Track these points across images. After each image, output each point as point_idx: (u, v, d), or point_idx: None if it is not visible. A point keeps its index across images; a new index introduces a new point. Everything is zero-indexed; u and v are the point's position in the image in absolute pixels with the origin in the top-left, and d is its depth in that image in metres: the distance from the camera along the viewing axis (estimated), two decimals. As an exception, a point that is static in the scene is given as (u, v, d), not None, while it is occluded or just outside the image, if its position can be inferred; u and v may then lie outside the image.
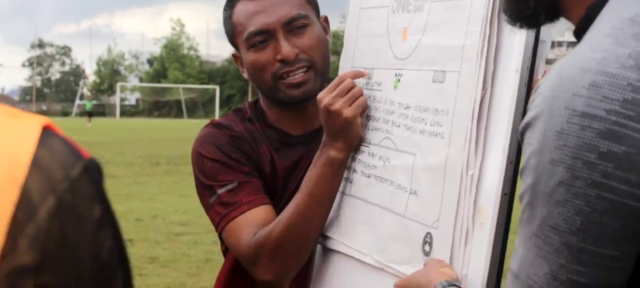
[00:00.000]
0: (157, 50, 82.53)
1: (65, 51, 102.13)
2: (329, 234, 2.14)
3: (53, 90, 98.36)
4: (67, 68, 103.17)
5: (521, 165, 1.19)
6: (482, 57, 1.71)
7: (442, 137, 1.79)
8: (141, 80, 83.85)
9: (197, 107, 69.40)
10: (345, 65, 2.21)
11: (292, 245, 2.08)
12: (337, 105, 2.02)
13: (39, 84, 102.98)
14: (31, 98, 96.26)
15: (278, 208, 2.19)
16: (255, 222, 2.14)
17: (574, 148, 1.08)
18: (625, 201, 1.07)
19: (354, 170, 2.09)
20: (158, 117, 69.44)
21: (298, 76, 2.18)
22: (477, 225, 1.69)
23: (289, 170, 2.28)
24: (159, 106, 74.46)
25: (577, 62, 1.11)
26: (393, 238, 1.92)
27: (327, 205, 2.11)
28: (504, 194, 1.64)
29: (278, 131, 2.30)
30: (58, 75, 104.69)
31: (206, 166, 2.21)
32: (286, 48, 2.17)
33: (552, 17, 1.32)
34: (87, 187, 0.89)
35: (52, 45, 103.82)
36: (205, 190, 2.22)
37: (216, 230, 2.21)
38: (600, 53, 1.10)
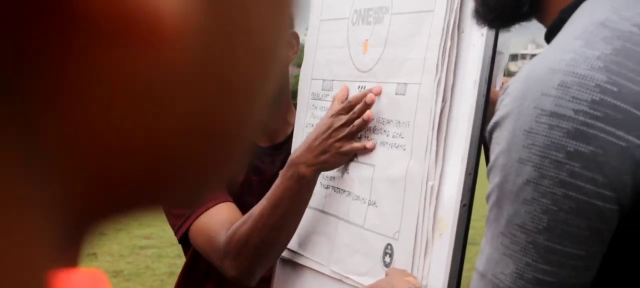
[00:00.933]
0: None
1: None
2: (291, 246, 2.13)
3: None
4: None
5: (489, 165, 1.19)
6: (443, 69, 1.71)
7: (404, 149, 1.79)
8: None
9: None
10: (305, 76, 2.21)
11: (256, 247, 2.06)
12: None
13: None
14: None
15: (244, 209, 2.17)
16: (221, 219, 2.12)
17: (542, 147, 1.08)
18: (591, 201, 1.07)
19: None
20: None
21: None
22: (436, 236, 1.69)
23: (249, 172, 2.27)
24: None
25: (547, 63, 1.12)
26: (351, 249, 1.92)
27: (294, 218, 2.06)
28: (462, 205, 1.64)
29: None
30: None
31: None
32: None
33: (528, 15, 1.32)
34: None
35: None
36: None
37: (177, 234, 2.19)
38: (569, 54, 1.10)
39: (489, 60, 1.64)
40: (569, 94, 1.07)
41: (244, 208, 2.17)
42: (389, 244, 1.80)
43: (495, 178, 1.15)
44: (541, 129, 1.08)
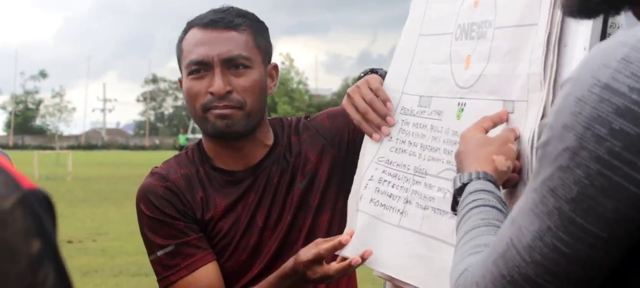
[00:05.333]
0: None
1: (178, 86, 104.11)
2: (374, 266, 2.09)
3: (165, 124, 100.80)
4: (179, 102, 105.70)
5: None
6: (545, 86, 1.67)
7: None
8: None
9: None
10: (396, 87, 2.17)
11: None
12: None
13: (152, 118, 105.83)
14: (145, 132, 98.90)
15: (230, 246, 2.27)
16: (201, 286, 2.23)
17: (588, 118, 1.07)
18: (624, 184, 1.05)
19: (408, 201, 2.03)
20: (267, 150, 70.09)
21: (226, 110, 2.18)
22: None
23: (232, 206, 2.30)
24: (268, 140, 75.21)
25: (620, 36, 1.10)
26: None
27: None
28: None
29: (221, 172, 2.33)
30: (171, 110, 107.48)
31: (145, 223, 2.28)
32: (218, 83, 2.20)
33: (618, 6, 1.27)
34: (23, 220, 0.82)
35: (165, 80, 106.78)
36: (146, 245, 2.30)
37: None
38: None
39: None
40: (629, 69, 1.05)
41: (232, 238, 2.28)
42: None
43: (543, 137, 1.15)
44: (591, 99, 1.07)
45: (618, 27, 1.62)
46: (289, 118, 2.46)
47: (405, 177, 2.06)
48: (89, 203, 17.75)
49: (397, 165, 2.09)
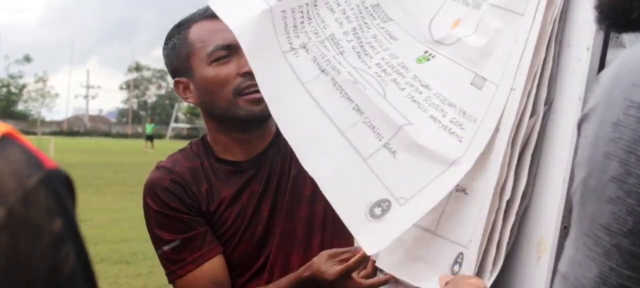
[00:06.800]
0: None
1: (162, 75, 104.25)
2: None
3: (149, 112, 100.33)
4: (163, 91, 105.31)
5: (576, 160, 1.10)
6: (535, 81, 1.66)
7: (460, 140, 1.74)
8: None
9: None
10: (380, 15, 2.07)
11: None
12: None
13: (135, 106, 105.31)
14: (127, 120, 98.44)
15: (237, 236, 2.30)
16: (202, 283, 2.26)
17: (629, 142, 0.99)
18: None
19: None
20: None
21: (259, 93, 2.15)
22: (535, 259, 1.62)
23: (237, 195, 2.32)
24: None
25: (638, 52, 1.04)
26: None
27: None
28: (563, 227, 1.57)
29: (225, 163, 2.35)
30: (154, 99, 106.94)
31: (152, 217, 2.30)
32: None
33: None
34: (46, 199, 0.84)
35: (149, 69, 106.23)
36: (153, 241, 2.32)
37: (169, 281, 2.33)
38: None
39: (594, 76, 1.56)
40: None
41: (237, 228, 2.30)
42: (460, 254, 1.75)
43: (581, 174, 1.06)
44: (629, 121, 1.00)
45: None
46: None
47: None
48: (70, 190, 17.64)
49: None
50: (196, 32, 2.30)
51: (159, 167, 2.34)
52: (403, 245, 1.89)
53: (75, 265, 0.85)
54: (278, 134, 2.34)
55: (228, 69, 2.25)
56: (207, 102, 2.31)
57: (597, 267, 1.03)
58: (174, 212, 2.27)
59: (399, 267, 1.91)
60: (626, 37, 1.60)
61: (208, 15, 2.29)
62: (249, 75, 2.17)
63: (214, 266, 2.27)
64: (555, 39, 1.66)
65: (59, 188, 0.87)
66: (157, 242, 2.30)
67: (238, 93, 2.24)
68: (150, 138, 47.37)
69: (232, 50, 2.25)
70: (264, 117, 2.25)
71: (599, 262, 1.03)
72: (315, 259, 2.17)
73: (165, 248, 2.28)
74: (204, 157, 2.36)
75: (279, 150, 2.36)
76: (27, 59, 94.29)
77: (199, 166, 2.34)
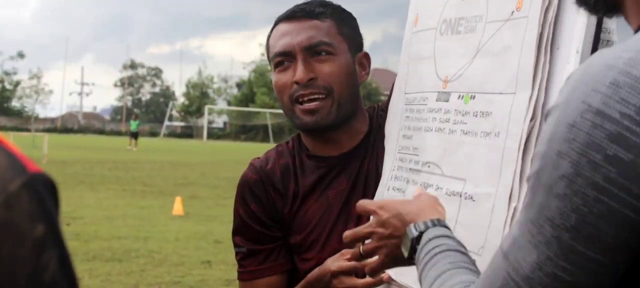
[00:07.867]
0: (245, 74, 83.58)
1: (156, 72, 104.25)
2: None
3: (143, 110, 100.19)
4: (157, 89, 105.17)
5: (535, 149, 1.17)
6: (535, 86, 1.67)
7: (502, 157, 1.74)
8: (229, 103, 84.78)
9: (283, 132, 69.78)
10: (400, 87, 2.20)
11: None
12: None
13: (129, 103, 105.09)
14: (121, 117, 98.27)
15: (324, 233, 2.27)
16: None
17: (582, 145, 1.06)
18: (622, 210, 1.05)
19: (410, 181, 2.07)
20: (244, 140, 70.03)
21: (313, 103, 2.18)
22: None
23: (323, 192, 2.31)
24: (245, 130, 75.07)
25: (606, 58, 1.09)
26: None
27: None
28: None
29: (315, 158, 2.34)
30: (148, 96, 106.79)
31: (235, 216, 2.36)
32: (300, 69, 2.20)
33: (610, 11, 1.27)
34: (28, 203, 0.83)
35: (143, 66, 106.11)
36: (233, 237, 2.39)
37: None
38: (630, 53, 1.07)
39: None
40: (618, 95, 1.05)
41: (323, 227, 2.27)
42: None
43: (535, 165, 1.13)
44: (584, 125, 1.06)
45: (610, 32, 1.63)
46: (381, 104, 2.43)
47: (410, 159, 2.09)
48: (64, 187, 17.64)
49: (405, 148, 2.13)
50: (274, 33, 2.32)
51: (250, 165, 2.38)
52: None
53: (57, 271, 0.84)
54: (369, 134, 2.35)
55: (285, 77, 2.25)
56: (280, 103, 2.34)
57: (537, 253, 1.11)
58: (250, 218, 2.31)
59: (408, 276, 1.92)
60: (616, 38, 1.62)
61: (286, 16, 2.29)
62: (300, 84, 2.20)
63: (270, 283, 2.31)
64: (552, 43, 1.67)
65: (42, 193, 0.86)
66: (234, 241, 2.38)
67: (294, 101, 2.24)
68: (134, 135, 46.23)
69: (289, 57, 2.24)
70: (319, 128, 2.25)
71: (539, 250, 1.11)
72: (329, 259, 2.16)
73: (236, 249, 2.36)
74: (297, 153, 2.36)
75: (368, 151, 2.33)
76: (21, 55, 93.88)
77: (291, 163, 2.35)
